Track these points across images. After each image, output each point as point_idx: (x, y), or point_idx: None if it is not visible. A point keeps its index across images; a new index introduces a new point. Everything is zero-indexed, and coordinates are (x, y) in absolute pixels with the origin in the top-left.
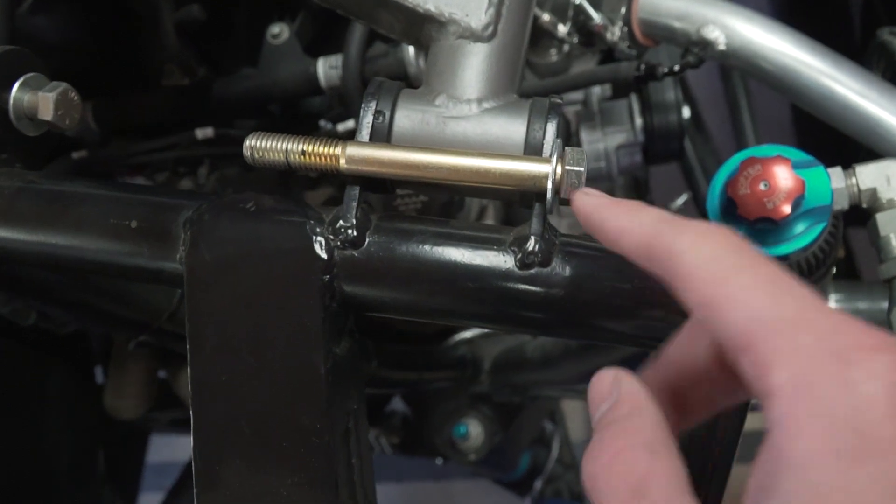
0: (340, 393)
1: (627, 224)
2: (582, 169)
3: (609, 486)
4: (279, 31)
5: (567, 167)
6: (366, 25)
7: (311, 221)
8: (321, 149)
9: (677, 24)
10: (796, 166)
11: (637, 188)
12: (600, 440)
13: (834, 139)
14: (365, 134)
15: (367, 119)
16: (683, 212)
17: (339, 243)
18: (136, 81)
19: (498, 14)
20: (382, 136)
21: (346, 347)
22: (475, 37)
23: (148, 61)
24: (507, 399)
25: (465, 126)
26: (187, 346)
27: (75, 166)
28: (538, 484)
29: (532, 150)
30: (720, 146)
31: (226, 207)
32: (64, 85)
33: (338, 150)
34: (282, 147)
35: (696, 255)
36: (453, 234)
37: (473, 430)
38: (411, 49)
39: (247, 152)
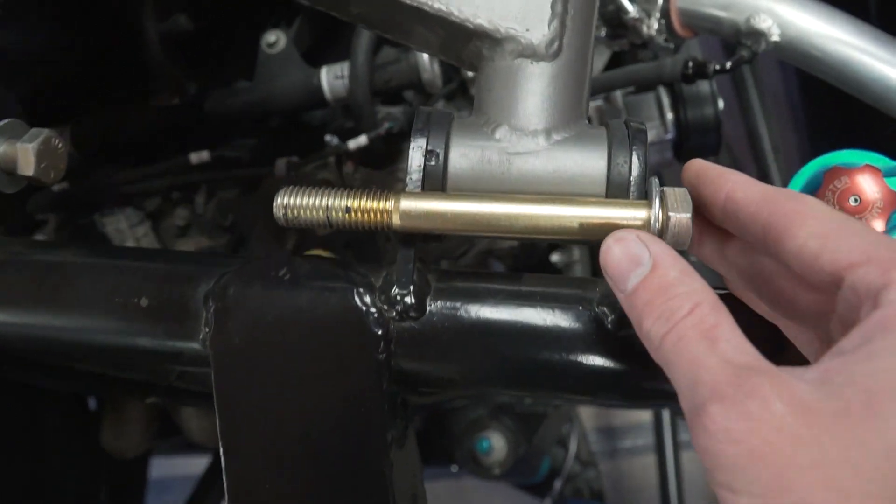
0: (403, 479)
1: (753, 182)
2: (688, 215)
3: (685, 340)
4: (275, 40)
5: (671, 213)
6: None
7: (360, 289)
8: (370, 203)
9: (723, 14)
10: (886, 175)
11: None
12: (662, 304)
13: (844, 113)
14: (417, 179)
15: (418, 161)
16: None
17: (395, 314)
18: (121, 101)
19: (562, 27)
20: (437, 180)
21: (403, 427)
22: (538, 55)
23: (133, 78)
24: (531, 408)
25: (534, 163)
26: (219, 443)
27: (56, 200)
28: (557, 484)
29: (616, 188)
30: (726, 123)
31: (254, 277)
32: (45, 132)
33: (390, 205)
34: (321, 204)
35: (815, 206)
36: (531, 292)
37: (497, 444)
38: (425, 54)
39: (279, 212)
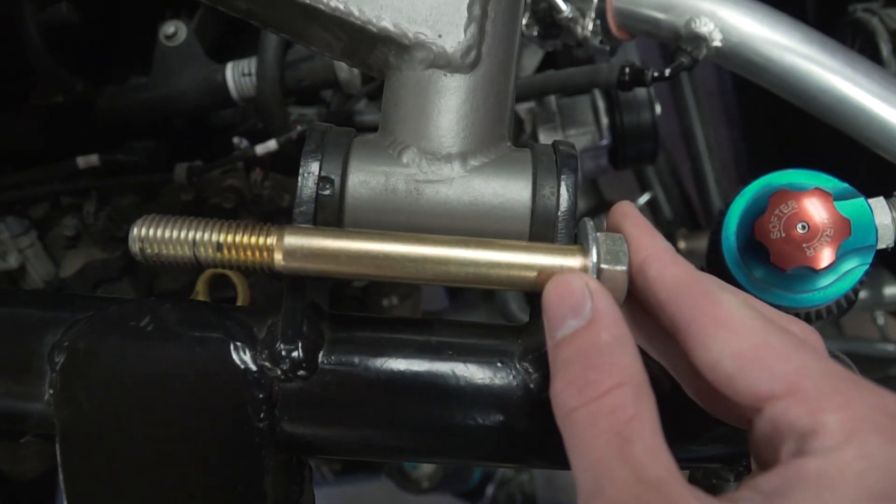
0: None
1: (670, 260)
2: (624, 268)
3: (593, 427)
4: (174, 31)
5: (604, 265)
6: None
7: (238, 342)
8: (246, 238)
9: (662, 16)
10: (837, 199)
11: (597, 192)
12: (581, 370)
13: (779, 111)
14: (307, 212)
15: (309, 190)
16: (644, 211)
17: (280, 373)
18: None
19: (481, 33)
20: (332, 212)
21: (298, 490)
22: (452, 66)
23: (7, 75)
24: None
25: (447, 193)
26: None
27: None
28: (490, 490)
29: (541, 224)
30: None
31: (110, 327)
32: None
33: (271, 242)
34: (187, 238)
35: (733, 310)
36: (443, 343)
37: None
38: None
39: (135, 247)
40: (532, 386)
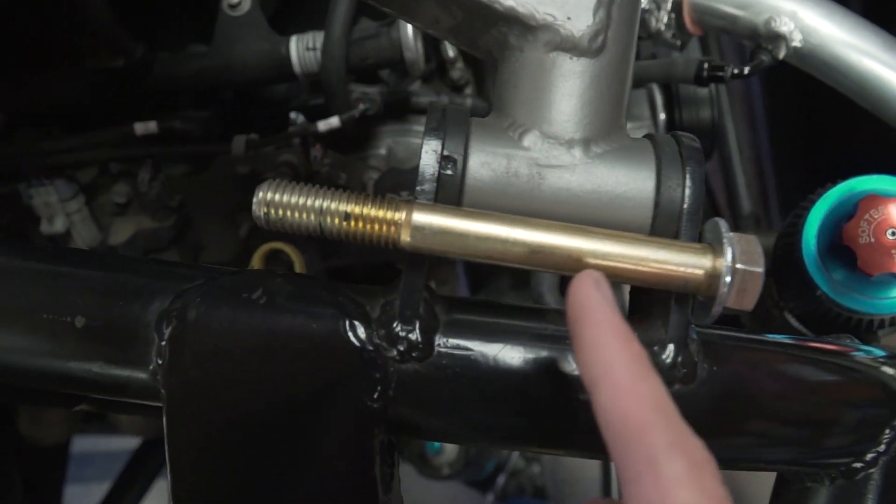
0: None
1: (627, 386)
2: (760, 270)
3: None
4: (238, 1)
5: (739, 265)
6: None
7: (354, 321)
8: (375, 211)
9: (740, 13)
10: None
11: None
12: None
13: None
14: (429, 190)
15: (431, 168)
16: None
17: (396, 354)
18: (53, 59)
19: (608, 17)
20: (453, 192)
21: (390, 472)
22: (578, 50)
23: (68, 35)
24: None
25: (570, 179)
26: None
27: None
28: (501, 479)
29: (665, 217)
30: None
31: (221, 297)
32: None
33: (400, 217)
34: (314, 205)
35: (678, 489)
36: (561, 333)
37: (449, 445)
38: (409, 28)
39: (259, 210)
40: None
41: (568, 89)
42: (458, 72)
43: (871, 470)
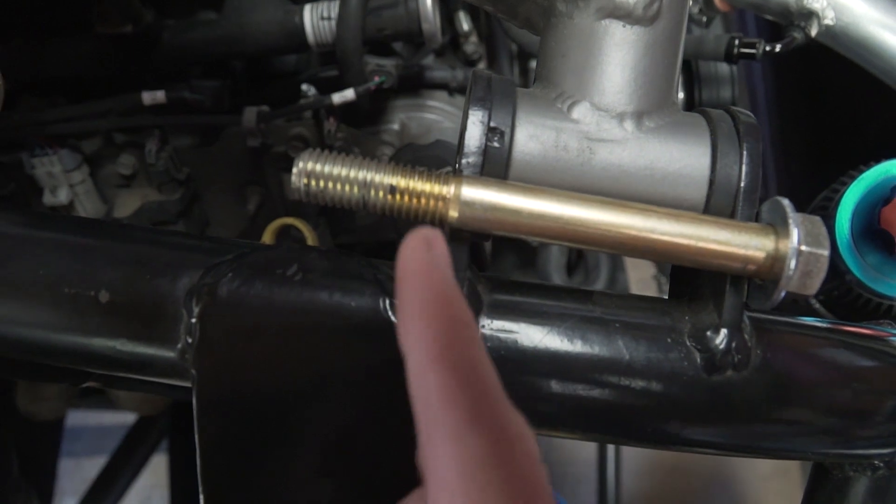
0: None
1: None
2: (826, 252)
3: None
4: None
5: (804, 247)
6: None
7: (393, 298)
8: (422, 185)
9: None
10: None
11: None
12: None
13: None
14: (475, 164)
15: (477, 140)
16: None
17: None
18: (63, 27)
19: None
20: (499, 165)
21: None
22: (633, 17)
23: (79, 0)
24: None
25: (622, 154)
26: (201, 494)
27: None
28: None
29: (722, 193)
30: None
31: (255, 273)
32: None
33: (448, 191)
34: (359, 178)
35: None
36: (607, 317)
37: None
38: None
39: (299, 180)
40: (701, 365)
41: (621, 59)
42: (471, 46)
43: None
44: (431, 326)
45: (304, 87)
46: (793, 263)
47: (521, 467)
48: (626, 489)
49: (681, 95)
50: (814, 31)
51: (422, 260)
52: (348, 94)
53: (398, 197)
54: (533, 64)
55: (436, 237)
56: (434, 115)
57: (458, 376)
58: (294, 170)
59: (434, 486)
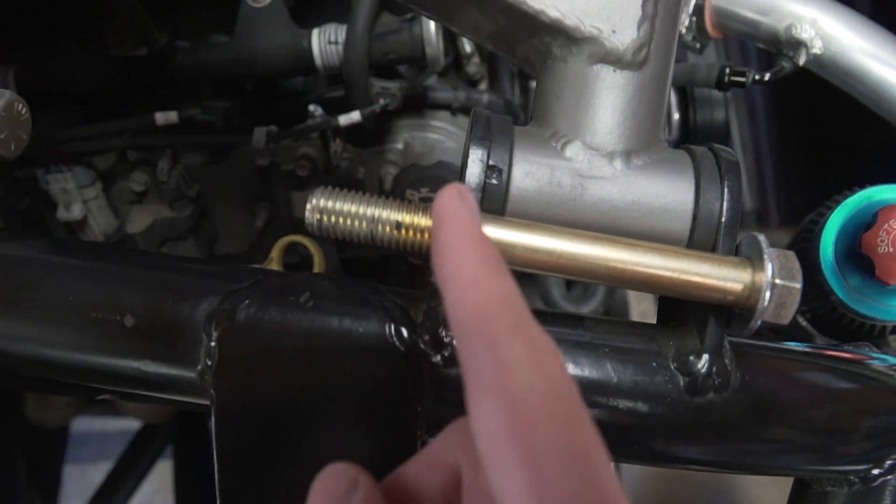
0: None
1: (476, 279)
2: (798, 285)
3: None
4: None
5: (779, 280)
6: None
7: (399, 325)
8: (426, 221)
9: (761, 19)
10: None
11: None
12: None
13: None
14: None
15: (476, 177)
16: None
17: (440, 359)
18: (77, 45)
19: (652, 31)
20: (497, 201)
21: None
22: (622, 63)
23: (93, 21)
24: None
25: (611, 190)
26: (217, 493)
27: None
28: None
29: (704, 228)
30: None
31: (270, 301)
32: (7, 95)
33: None
34: (366, 213)
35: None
36: (597, 342)
37: None
38: (432, 25)
39: (312, 216)
40: (684, 388)
41: (611, 102)
42: (473, 67)
43: (889, 476)
44: (470, 256)
45: (312, 107)
46: (767, 295)
47: (554, 370)
48: (627, 496)
49: (676, 116)
50: (802, 60)
51: (456, 205)
52: (354, 115)
53: (403, 232)
54: (533, 84)
55: (466, 191)
56: (437, 134)
57: (498, 296)
58: (307, 206)
59: (472, 386)
